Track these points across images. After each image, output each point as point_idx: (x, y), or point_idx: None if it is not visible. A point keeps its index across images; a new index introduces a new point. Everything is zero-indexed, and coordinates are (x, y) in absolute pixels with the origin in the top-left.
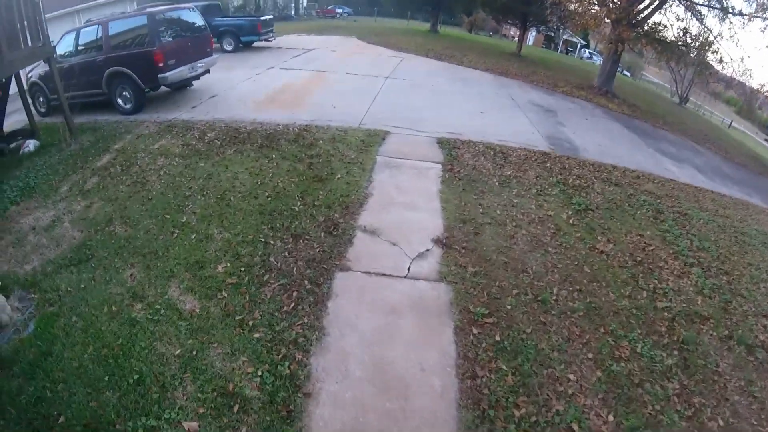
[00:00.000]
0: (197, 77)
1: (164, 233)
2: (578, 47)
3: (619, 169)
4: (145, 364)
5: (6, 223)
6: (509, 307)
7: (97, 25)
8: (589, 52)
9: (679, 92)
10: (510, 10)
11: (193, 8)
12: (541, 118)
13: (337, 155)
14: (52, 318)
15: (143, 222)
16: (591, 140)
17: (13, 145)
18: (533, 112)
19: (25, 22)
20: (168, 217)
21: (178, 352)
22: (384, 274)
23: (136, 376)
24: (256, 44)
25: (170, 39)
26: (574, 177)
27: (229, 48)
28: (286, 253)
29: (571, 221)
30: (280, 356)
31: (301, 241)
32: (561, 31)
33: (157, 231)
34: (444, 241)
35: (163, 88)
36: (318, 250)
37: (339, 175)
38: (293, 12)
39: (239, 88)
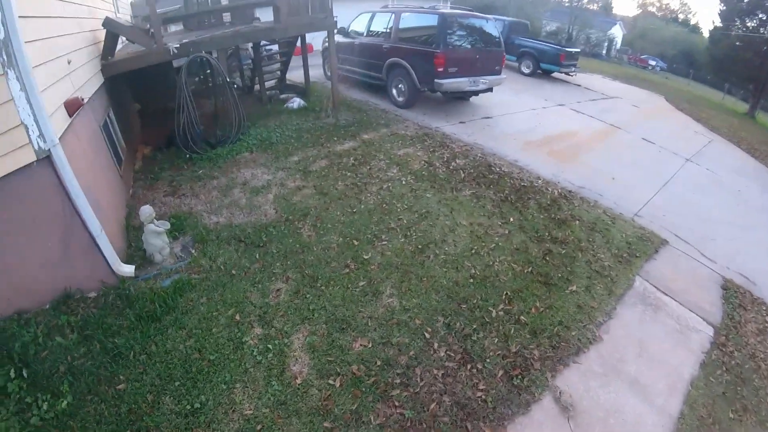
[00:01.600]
0: (477, 92)
1: (338, 262)
2: None
3: None
4: (207, 395)
5: (230, 167)
6: None
7: (390, 13)
8: None
9: None
10: None
11: (492, 20)
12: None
13: (588, 253)
14: (188, 289)
15: (329, 236)
16: None
17: (283, 96)
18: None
19: None
20: (355, 243)
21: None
22: None
23: (195, 404)
24: (555, 74)
25: (458, 45)
26: None
27: (526, 71)
28: (439, 374)
29: None
30: None
31: (468, 367)
32: None
33: (334, 255)
34: None
35: (438, 93)
36: (479, 394)
37: (574, 287)
38: (604, 51)
39: (517, 119)
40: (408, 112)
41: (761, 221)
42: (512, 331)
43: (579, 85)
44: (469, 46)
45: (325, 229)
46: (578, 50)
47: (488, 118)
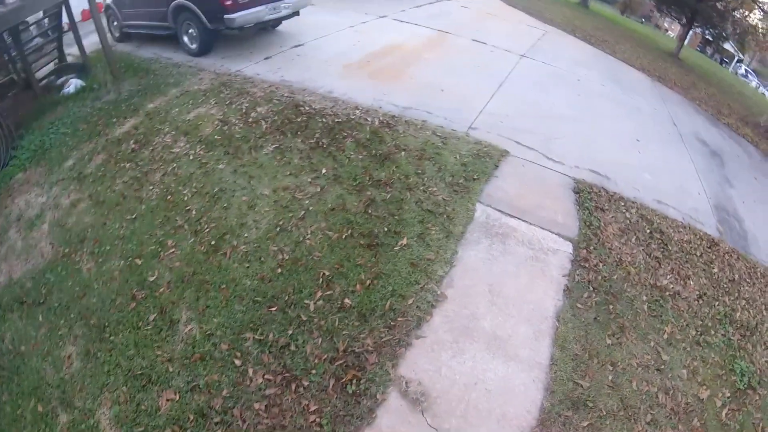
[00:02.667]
0: (280, 20)
1: (122, 296)
2: (734, 60)
3: None
4: None
5: (2, 199)
6: None
7: None
8: (746, 70)
9: None
10: (681, 3)
11: None
12: (707, 165)
13: (418, 190)
14: None
15: (110, 262)
16: (762, 221)
17: (59, 81)
18: (699, 153)
19: None
20: (138, 263)
21: None
22: None
23: None
24: None
25: None
26: (743, 305)
27: None
28: (261, 408)
29: (724, 416)
30: None
31: (293, 387)
32: (723, 39)
33: (117, 288)
34: None
35: (237, 30)
36: (312, 418)
37: (405, 240)
38: None
39: (333, 40)
40: (205, 59)
41: (604, 109)
42: (337, 322)
43: None
44: None
45: (104, 254)
46: None
47: (299, 46)
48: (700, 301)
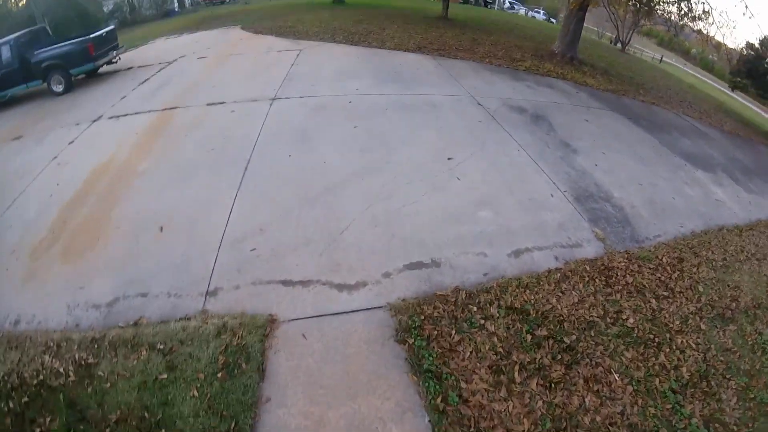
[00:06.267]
0: None
1: None
2: None
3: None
4: None
5: None
6: None
7: None
8: (509, 2)
9: (621, 38)
10: None
11: None
12: (537, 139)
13: None
14: None
15: None
16: (626, 179)
17: None
18: (520, 129)
19: None
20: None
21: None
22: None
23: None
24: (102, 70)
25: None
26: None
27: (60, 88)
28: None
29: None
30: None
31: None
32: None
33: None
34: None
35: None
36: None
37: None
38: (176, 5)
39: (24, 203)
40: None
41: (395, 131)
42: None
43: (131, 67)
44: None
45: None
46: (111, 28)
47: None
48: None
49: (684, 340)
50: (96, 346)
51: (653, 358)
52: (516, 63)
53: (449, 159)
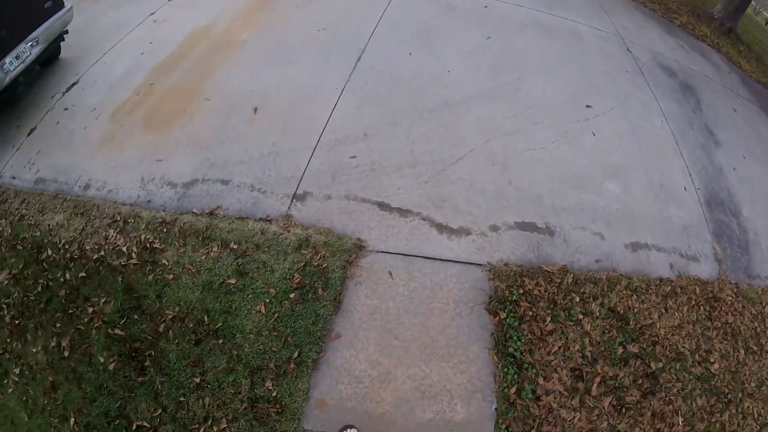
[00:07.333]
0: (33, 69)
1: None
2: None
3: None
4: None
5: None
6: None
7: None
8: None
9: None
10: None
11: None
12: (682, 114)
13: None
14: None
15: None
16: (760, 197)
17: None
18: (668, 96)
19: None
20: None
21: None
22: None
23: None
24: None
25: None
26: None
27: None
28: None
29: None
30: None
31: None
32: None
33: None
34: None
35: None
36: None
37: None
38: None
39: (117, 55)
40: None
41: (530, 57)
42: None
43: None
44: None
45: None
46: None
47: (73, 86)
48: None
49: (750, 406)
50: (165, 230)
51: (718, 414)
52: (671, 14)
53: (587, 107)
